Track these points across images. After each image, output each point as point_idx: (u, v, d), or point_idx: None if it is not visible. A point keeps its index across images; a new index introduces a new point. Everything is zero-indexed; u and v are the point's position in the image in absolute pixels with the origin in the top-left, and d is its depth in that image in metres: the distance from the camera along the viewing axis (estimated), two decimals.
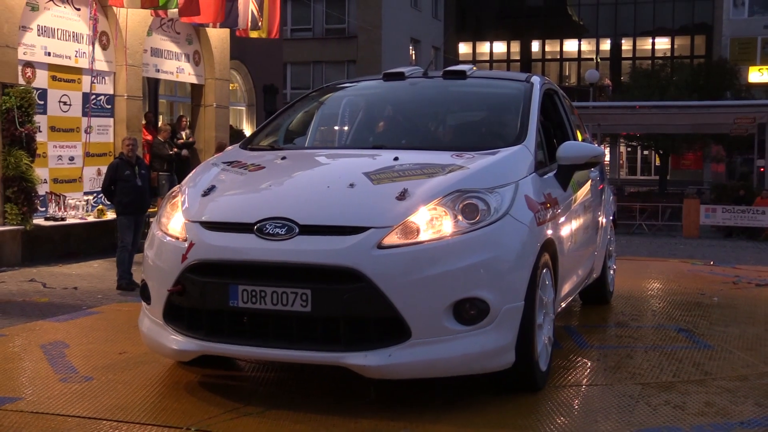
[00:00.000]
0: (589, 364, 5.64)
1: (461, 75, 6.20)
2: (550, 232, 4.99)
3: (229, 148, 6.15)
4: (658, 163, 43.98)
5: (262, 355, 4.53)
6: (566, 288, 5.77)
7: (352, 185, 4.62)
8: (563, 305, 5.93)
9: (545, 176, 5.34)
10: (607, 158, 49.98)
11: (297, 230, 4.36)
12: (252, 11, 17.24)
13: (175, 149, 16.70)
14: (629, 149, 52.43)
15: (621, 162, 53.32)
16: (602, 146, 37.26)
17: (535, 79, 6.14)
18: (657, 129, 34.30)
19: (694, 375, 5.31)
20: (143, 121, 16.38)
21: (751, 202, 24.79)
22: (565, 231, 5.51)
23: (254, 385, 5.11)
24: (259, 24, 17.27)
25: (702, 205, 25.19)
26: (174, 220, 4.78)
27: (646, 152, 48.48)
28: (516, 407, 4.51)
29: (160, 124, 18.68)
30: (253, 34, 17.78)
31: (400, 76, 6.27)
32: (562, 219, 5.43)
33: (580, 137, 6.87)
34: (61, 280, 10.92)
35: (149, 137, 16.84)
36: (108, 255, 12.95)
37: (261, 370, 5.31)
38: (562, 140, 6.17)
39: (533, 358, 4.67)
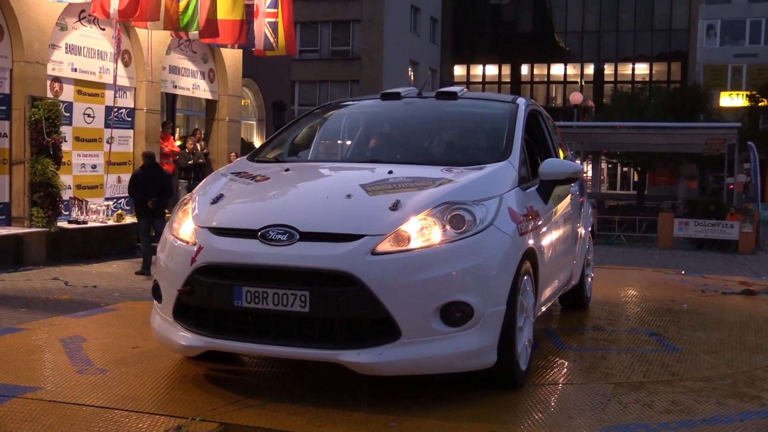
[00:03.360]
0: (566, 364, 5.64)
1: (453, 96, 6.21)
2: (531, 241, 4.99)
3: (238, 159, 6.16)
4: (636, 179, 44.03)
5: (264, 351, 4.53)
6: (546, 293, 5.77)
7: (349, 196, 4.63)
8: (543, 309, 5.93)
9: (528, 190, 5.34)
10: (590, 174, 50.08)
11: (298, 237, 4.36)
12: (266, 33, 17.26)
13: (191, 161, 16.79)
14: (610, 166, 52.53)
15: (602, 177, 53.42)
16: (585, 163, 37.35)
17: (521, 101, 6.15)
18: (636, 148, 34.37)
19: (662, 376, 5.30)
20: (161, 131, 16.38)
21: (721, 216, 24.81)
22: (546, 241, 5.52)
23: (256, 379, 5.10)
24: (274, 46, 17.28)
25: (676, 219, 25.23)
26: (185, 226, 4.78)
27: (625, 169, 48.56)
28: (497, 403, 4.51)
29: (177, 136, 18.70)
30: (270, 53, 17.80)
31: (397, 96, 6.28)
32: (543, 230, 5.43)
33: (561, 155, 6.87)
34: (81, 278, 10.92)
35: (167, 146, 16.86)
36: (125, 256, 12.99)
37: (262, 366, 5.30)
38: (544, 157, 6.17)
39: (514, 358, 4.66)
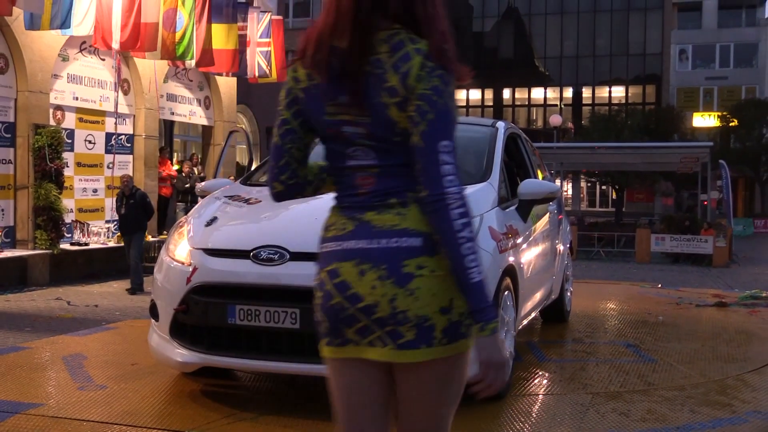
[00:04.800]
0: (547, 375, 5.65)
1: None
2: (511, 258, 5.01)
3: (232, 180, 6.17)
4: (614, 196, 44.15)
5: (256, 366, 4.53)
6: (527, 307, 5.78)
7: None
8: (524, 323, 5.94)
9: (507, 210, 5.37)
10: (570, 192, 50.24)
11: (288, 256, 4.37)
12: (259, 62, 17.35)
13: (188, 184, 16.82)
14: (589, 184, 52.68)
15: (582, 196, 53.55)
16: (565, 182, 37.45)
17: (500, 125, 6.18)
18: (613, 167, 34.49)
19: (638, 385, 5.32)
20: (159, 156, 16.41)
21: (695, 231, 24.89)
22: (525, 258, 5.53)
23: (249, 393, 5.10)
24: (268, 74, 17.37)
25: (653, 234, 25.27)
26: (180, 247, 4.79)
27: (603, 187, 48.69)
28: (480, 413, 4.50)
29: (174, 160, 18.72)
30: (263, 80, 17.90)
31: None
32: (523, 247, 5.45)
33: (540, 175, 6.91)
34: (83, 298, 10.89)
35: (165, 170, 16.87)
36: (126, 276, 12.93)
37: (255, 380, 5.30)
38: (524, 177, 6.20)
39: None
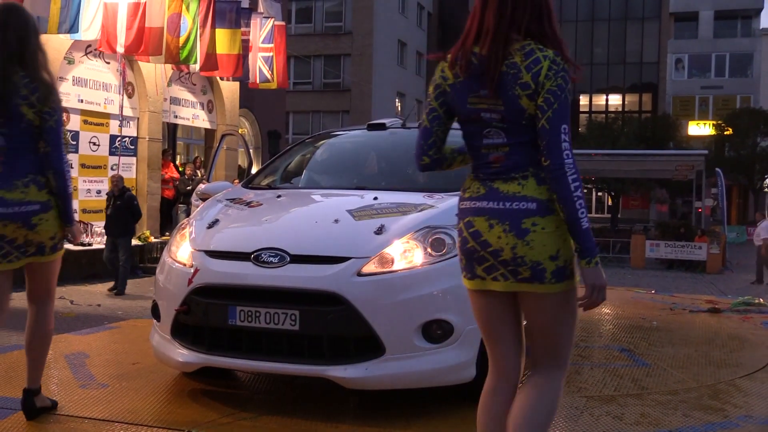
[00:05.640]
0: None
1: None
2: None
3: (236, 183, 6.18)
4: (610, 203, 44.17)
5: (256, 367, 4.53)
6: None
7: (336, 221, 4.65)
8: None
9: None
10: None
11: (288, 259, 4.37)
12: (260, 67, 17.36)
13: (190, 187, 16.79)
14: (585, 191, 52.57)
15: None
16: None
17: None
18: (609, 174, 34.49)
19: (632, 389, 5.31)
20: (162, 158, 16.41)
21: (690, 238, 24.91)
22: None
23: (249, 393, 5.10)
24: (269, 79, 17.37)
25: (647, 241, 25.31)
26: (182, 249, 4.80)
27: (599, 193, 48.69)
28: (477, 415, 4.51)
29: (177, 163, 18.72)
30: (264, 86, 17.90)
31: (382, 127, 6.31)
32: None
33: None
34: (86, 297, 10.90)
35: (168, 172, 16.86)
36: (128, 276, 12.93)
37: (255, 381, 5.30)
38: None
39: None
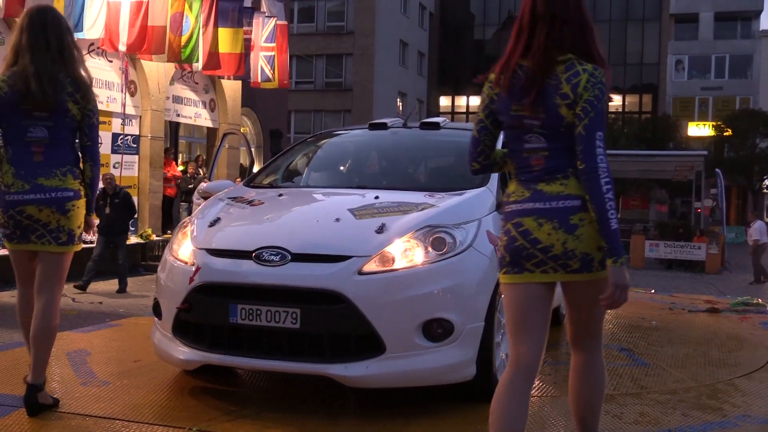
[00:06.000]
0: (542, 377, 5.62)
1: (436, 126, 6.24)
2: None
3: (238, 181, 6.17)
4: None
5: (257, 365, 4.53)
6: None
7: (338, 220, 4.65)
8: None
9: None
10: None
11: (289, 258, 4.37)
12: (261, 66, 17.35)
13: (192, 185, 16.79)
14: None
15: None
16: None
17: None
18: None
19: (631, 389, 5.31)
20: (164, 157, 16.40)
21: (689, 238, 24.90)
22: None
23: (250, 391, 5.10)
24: (271, 78, 17.35)
25: (647, 241, 25.30)
26: (184, 247, 4.79)
27: None
28: (476, 414, 4.50)
29: (179, 161, 18.71)
30: (265, 85, 17.87)
31: (383, 126, 6.31)
32: None
33: None
34: (88, 295, 10.90)
35: (170, 170, 16.85)
36: (130, 274, 12.95)
37: (256, 379, 5.30)
38: None
39: (492, 372, 4.66)
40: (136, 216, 14.41)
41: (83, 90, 4.28)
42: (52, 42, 4.21)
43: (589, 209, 2.99)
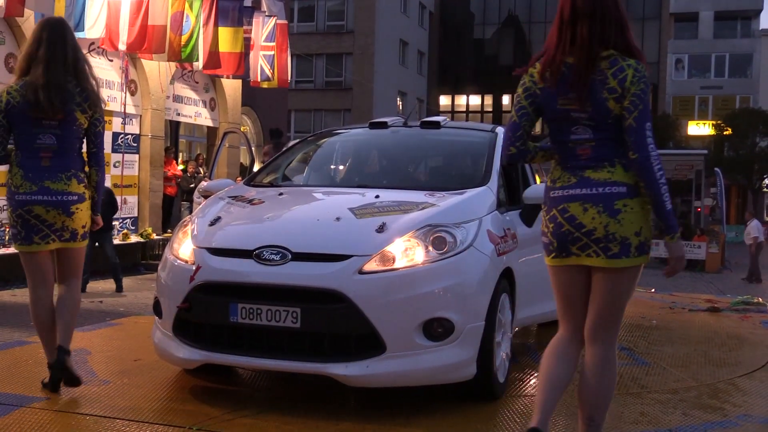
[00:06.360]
0: None
1: (436, 125, 6.22)
2: (509, 261, 4.99)
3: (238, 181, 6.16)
4: None
5: (257, 364, 4.52)
6: (527, 310, 5.65)
7: (338, 219, 4.63)
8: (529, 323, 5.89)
9: (506, 213, 5.34)
10: None
11: (290, 257, 4.36)
12: (261, 65, 17.33)
13: (193, 184, 16.77)
14: None
15: None
16: None
17: (500, 130, 6.15)
18: None
19: (632, 388, 5.30)
20: (164, 156, 16.39)
21: (689, 237, 24.88)
22: (524, 261, 5.44)
23: (250, 390, 5.09)
24: (270, 77, 17.33)
25: None
26: (184, 246, 4.78)
27: None
28: (477, 414, 4.50)
29: (180, 160, 18.70)
30: (264, 85, 17.85)
31: (384, 125, 6.29)
32: (521, 251, 5.39)
33: (538, 180, 6.88)
34: (88, 294, 10.88)
35: (170, 169, 16.83)
36: (130, 273, 12.94)
37: (256, 378, 5.29)
38: (522, 182, 6.17)
39: (492, 371, 4.66)
40: (131, 214, 14.39)
41: (92, 100, 4.63)
42: (69, 56, 4.55)
43: (632, 196, 3.25)
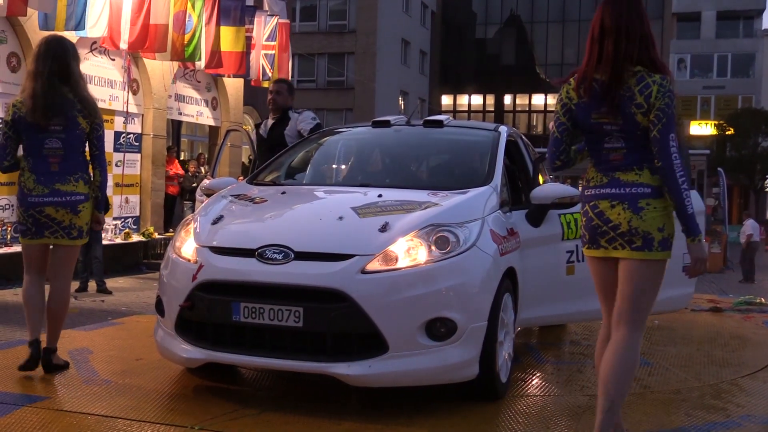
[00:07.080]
0: (545, 377, 5.63)
1: (439, 124, 6.21)
2: (512, 261, 4.97)
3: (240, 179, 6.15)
4: None
5: (260, 363, 4.51)
6: (530, 311, 5.61)
7: (341, 218, 4.62)
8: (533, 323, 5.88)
9: (510, 213, 5.33)
10: None
11: (292, 256, 4.35)
12: (262, 65, 17.33)
13: (195, 183, 16.76)
14: None
15: None
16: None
17: (502, 129, 6.14)
18: None
19: (634, 388, 5.27)
20: (166, 155, 16.39)
21: None
22: (528, 261, 5.40)
23: (252, 389, 5.08)
24: (270, 75, 17.32)
25: None
26: (186, 245, 4.77)
27: None
28: (479, 414, 4.49)
29: (181, 158, 18.69)
30: (266, 84, 17.84)
31: (387, 124, 6.27)
32: (525, 251, 5.35)
33: (541, 179, 6.86)
34: (90, 293, 10.88)
35: (172, 169, 16.83)
36: (132, 272, 12.95)
37: (258, 377, 5.28)
38: (525, 181, 6.15)
39: (495, 371, 4.65)
40: (132, 213, 14.37)
41: (90, 107, 5.06)
42: (54, 69, 4.95)
43: (656, 197, 3.57)
